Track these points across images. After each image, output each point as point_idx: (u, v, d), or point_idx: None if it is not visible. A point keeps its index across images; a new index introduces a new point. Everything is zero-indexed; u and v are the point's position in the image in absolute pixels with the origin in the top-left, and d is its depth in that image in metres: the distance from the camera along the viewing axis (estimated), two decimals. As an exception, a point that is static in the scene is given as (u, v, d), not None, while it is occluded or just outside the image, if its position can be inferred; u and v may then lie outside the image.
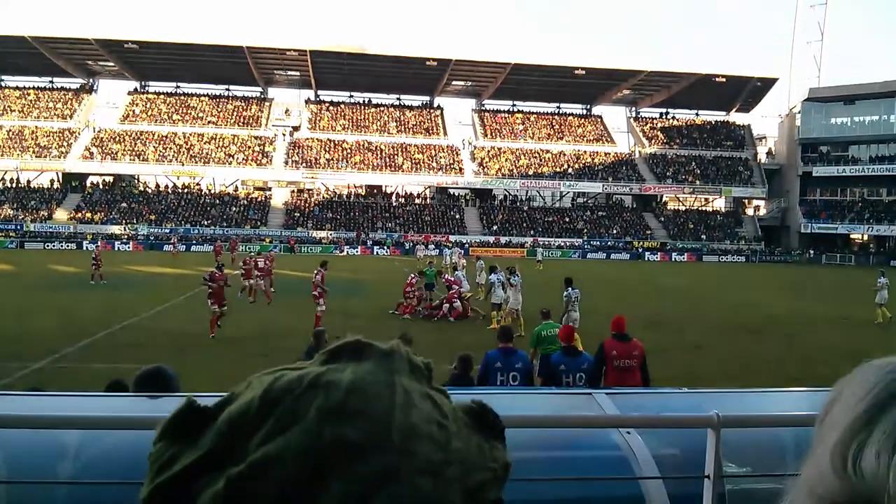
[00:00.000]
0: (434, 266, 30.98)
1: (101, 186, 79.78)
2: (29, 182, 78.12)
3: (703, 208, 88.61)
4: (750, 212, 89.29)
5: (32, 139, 78.43)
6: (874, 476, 0.89)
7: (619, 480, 3.69)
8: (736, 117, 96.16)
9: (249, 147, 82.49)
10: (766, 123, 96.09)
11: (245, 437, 0.66)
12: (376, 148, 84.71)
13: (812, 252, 78.29)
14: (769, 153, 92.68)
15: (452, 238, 72.57)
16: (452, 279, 26.26)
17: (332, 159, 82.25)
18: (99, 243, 44.35)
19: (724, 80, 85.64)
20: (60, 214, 73.02)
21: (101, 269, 35.14)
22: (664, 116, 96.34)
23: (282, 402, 0.67)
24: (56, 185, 78.77)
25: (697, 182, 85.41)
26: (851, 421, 0.95)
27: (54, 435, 3.57)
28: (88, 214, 73.20)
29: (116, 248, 66.61)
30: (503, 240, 74.34)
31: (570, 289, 19.30)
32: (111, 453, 3.37)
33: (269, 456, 0.64)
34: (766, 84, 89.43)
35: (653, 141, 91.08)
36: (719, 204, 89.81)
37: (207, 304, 21.11)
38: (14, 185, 77.19)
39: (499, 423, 0.78)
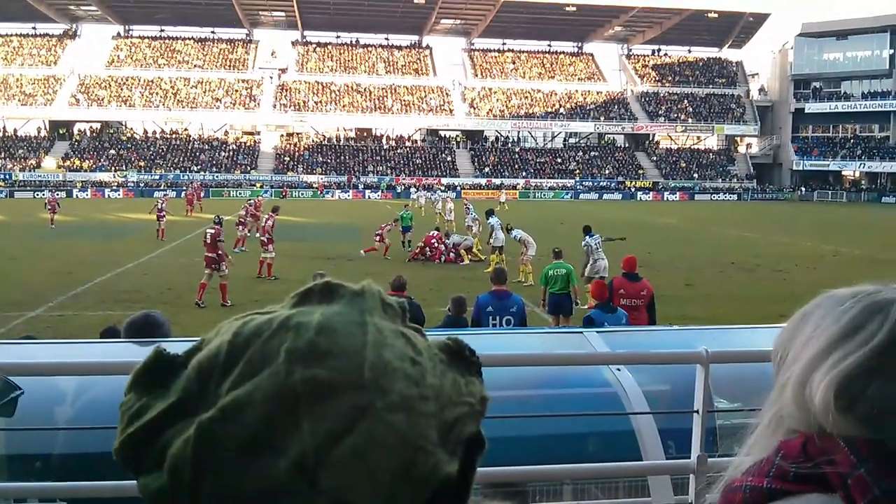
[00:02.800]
0: (409, 209, 30.71)
1: (88, 134, 78.93)
2: (16, 131, 77.20)
3: (696, 147, 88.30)
4: (742, 150, 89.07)
5: (17, 87, 77.28)
6: (820, 402, 0.97)
7: (610, 416, 3.75)
8: (728, 54, 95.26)
9: (237, 91, 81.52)
10: (758, 59, 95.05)
11: (215, 383, 0.66)
12: (365, 90, 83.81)
13: (804, 189, 78.42)
14: (761, 90, 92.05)
15: (444, 181, 72.31)
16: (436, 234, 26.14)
17: (321, 102, 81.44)
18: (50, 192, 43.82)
19: (716, 15, 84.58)
20: (49, 163, 72.36)
21: (56, 214, 35.99)
22: (656, 53, 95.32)
23: (251, 345, 0.67)
24: (43, 133, 77.88)
25: (690, 120, 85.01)
26: (811, 355, 1.02)
27: (51, 381, 3.59)
28: (77, 162, 72.59)
29: (106, 196, 66.26)
30: (495, 181, 74.01)
31: (587, 237, 18.04)
32: (105, 398, 3.40)
33: (240, 400, 0.64)
34: (759, 19, 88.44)
35: (645, 79, 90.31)
36: (711, 142, 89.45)
37: (212, 270, 18.08)
38: (1, 134, 76.30)
39: (475, 359, 0.77)
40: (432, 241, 25.47)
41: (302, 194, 68.73)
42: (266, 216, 23.18)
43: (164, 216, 31.71)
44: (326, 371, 0.64)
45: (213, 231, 18.53)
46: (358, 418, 0.63)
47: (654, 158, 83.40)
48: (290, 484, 0.62)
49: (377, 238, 25.98)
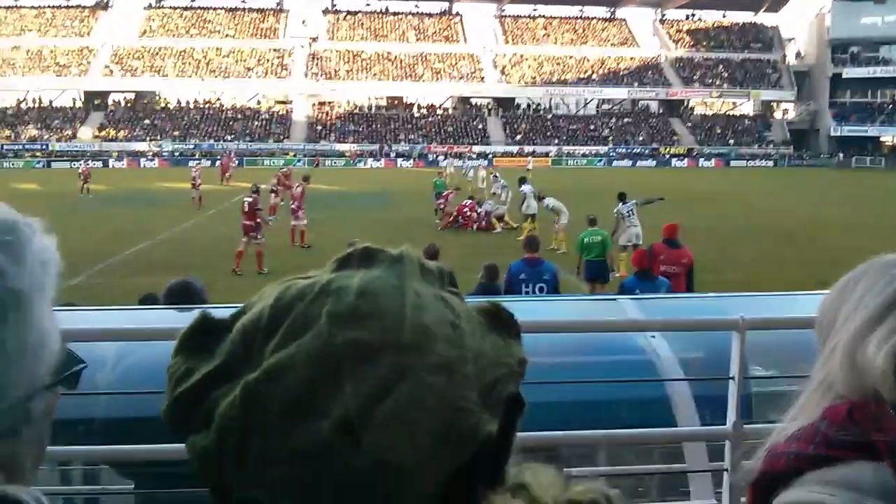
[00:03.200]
0: (443, 177, 30.87)
1: (123, 104, 79.60)
2: (51, 102, 78.02)
3: (731, 112, 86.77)
4: (778, 115, 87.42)
5: (52, 58, 77.97)
6: (873, 369, 0.96)
7: (644, 383, 3.74)
8: (764, 18, 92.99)
9: (268, 60, 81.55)
10: (795, 24, 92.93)
11: (259, 346, 0.68)
12: (395, 58, 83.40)
13: (842, 155, 76.88)
14: (798, 55, 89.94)
15: (476, 149, 71.98)
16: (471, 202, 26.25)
17: (352, 70, 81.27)
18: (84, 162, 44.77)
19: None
20: (85, 133, 73.20)
21: (89, 183, 37.27)
22: (690, 18, 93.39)
23: (293, 309, 0.68)
24: (78, 104, 78.62)
25: (725, 86, 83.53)
26: (862, 321, 1.00)
27: (91, 347, 3.66)
28: (112, 132, 73.36)
29: (142, 165, 66.91)
30: (527, 149, 73.48)
31: (620, 203, 17.67)
32: (146, 364, 3.47)
33: (283, 362, 0.65)
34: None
35: (679, 44, 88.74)
36: (747, 108, 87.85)
37: (249, 238, 18.34)
38: (37, 106, 77.21)
39: (514, 323, 0.78)
40: (465, 209, 25.47)
41: (334, 163, 68.83)
42: (297, 185, 23.34)
43: (199, 185, 32.29)
44: (367, 333, 0.65)
45: (250, 200, 18.81)
46: (398, 380, 0.64)
47: (689, 125, 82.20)
48: (332, 444, 0.63)
49: (441, 206, 26.40)
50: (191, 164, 49.14)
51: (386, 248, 0.76)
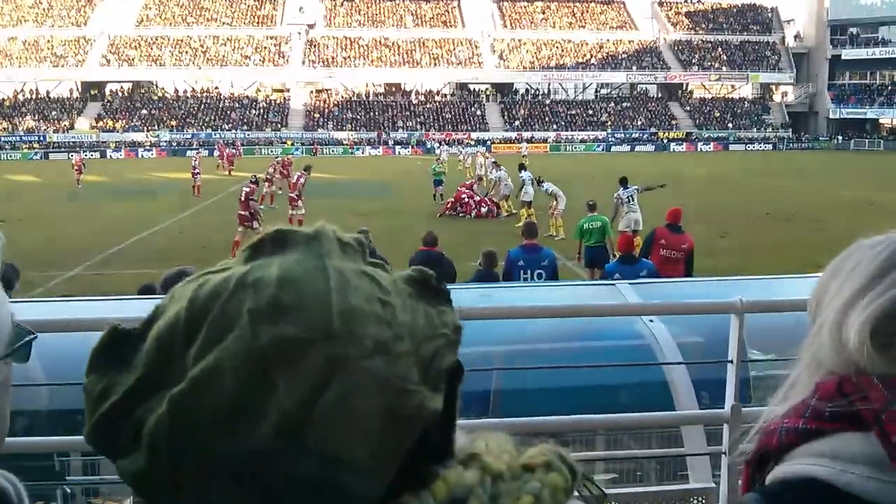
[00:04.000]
0: (442, 164, 30.90)
1: (120, 94, 79.40)
2: (48, 92, 77.82)
3: (730, 96, 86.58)
4: (777, 98, 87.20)
5: (48, 48, 77.71)
6: (856, 341, 0.98)
7: (643, 368, 3.75)
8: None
9: (265, 48, 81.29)
10: (793, 5, 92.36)
11: (179, 352, 0.64)
12: (393, 44, 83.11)
13: (841, 138, 76.82)
14: (797, 36, 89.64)
15: (474, 136, 71.82)
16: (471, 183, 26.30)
17: (349, 57, 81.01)
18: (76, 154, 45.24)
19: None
20: (82, 124, 73.05)
21: (82, 174, 37.25)
22: (689, 0, 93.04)
23: (210, 309, 0.64)
24: (75, 94, 78.44)
25: (724, 68, 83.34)
26: (846, 297, 1.03)
27: (89, 338, 3.67)
28: (110, 123, 73.18)
29: (140, 156, 66.81)
30: (525, 135, 73.33)
31: (621, 188, 17.51)
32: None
33: (209, 369, 0.61)
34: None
35: (678, 26, 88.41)
36: (746, 91, 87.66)
37: (245, 227, 18.58)
38: (34, 96, 77.00)
39: (443, 288, 0.74)
40: (462, 195, 25.45)
41: (332, 151, 68.70)
42: (298, 174, 23.35)
43: (198, 173, 32.59)
44: (294, 327, 0.61)
45: (247, 189, 19.05)
46: (335, 370, 0.61)
47: (688, 108, 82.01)
48: (275, 449, 0.60)
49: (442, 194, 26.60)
50: (190, 153, 49.26)
51: (299, 228, 0.71)
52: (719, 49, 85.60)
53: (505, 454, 0.69)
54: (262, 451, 0.60)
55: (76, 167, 37.59)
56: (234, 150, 50.63)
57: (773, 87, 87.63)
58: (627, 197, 17.25)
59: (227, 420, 0.60)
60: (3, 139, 69.62)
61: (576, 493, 0.70)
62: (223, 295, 0.64)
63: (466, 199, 25.27)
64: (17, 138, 70.04)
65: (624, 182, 17.71)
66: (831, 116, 79.38)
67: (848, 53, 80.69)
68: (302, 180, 22.59)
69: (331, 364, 0.61)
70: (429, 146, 68.31)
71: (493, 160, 31.44)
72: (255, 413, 0.60)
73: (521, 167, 24.65)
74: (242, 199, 18.91)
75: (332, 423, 0.61)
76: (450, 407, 0.69)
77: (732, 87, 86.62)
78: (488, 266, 9.44)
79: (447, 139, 66.90)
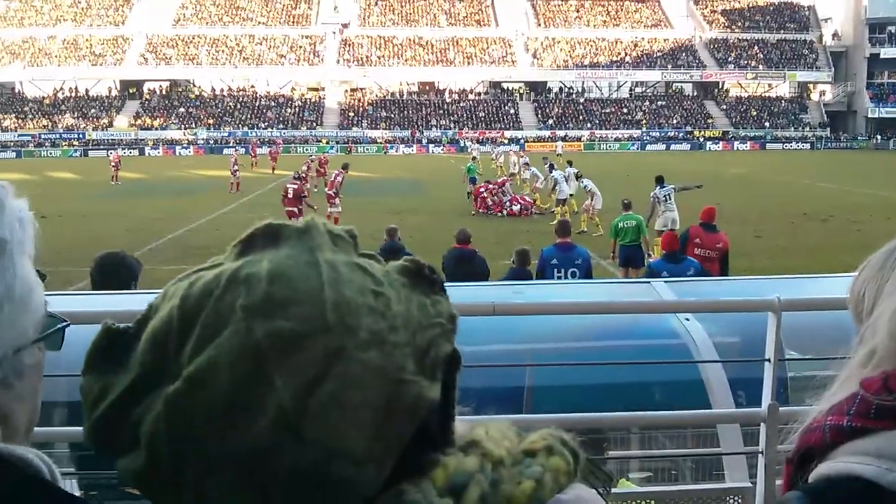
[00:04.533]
0: (477, 162, 30.97)
1: (158, 92, 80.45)
2: (87, 91, 79.05)
3: (767, 94, 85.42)
4: (815, 97, 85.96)
5: (87, 47, 78.94)
6: None
7: (679, 366, 3.73)
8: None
9: (300, 47, 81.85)
10: (831, 3, 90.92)
11: (174, 351, 0.64)
12: (427, 43, 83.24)
13: (879, 137, 75.50)
14: (835, 35, 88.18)
15: (507, 134, 71.70)
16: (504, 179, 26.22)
17: (383, 56, 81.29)
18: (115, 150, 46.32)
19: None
20: (121, 121, 74.15)
21: (119, 171, 37.85)
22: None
23: (203, 307, 0.64)
24: (114, 92, 79.59)
25: (760, 67, 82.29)
26: None
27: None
28: (148, 120, 74.22)
29: (177, 153, 67.63)
30: (559, 133, 73.03)
31: (657, 187, 17.39)
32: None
33: (204, 366, 0.61)
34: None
35: (713, 25, 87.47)
36: (783, 90, 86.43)
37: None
38: (73, 95, 78.27)
39: (436, 277, 0.73)
40: (481, 190, 25.34)
41: (366, 150, 68.99)
42: (335, 172, 23.55)
43: (237, 170, 33.24)
44: (288, 321, 0.61)
45: (295, 186, 19.42)
46: (330, 363, 0.61)
47: (724, 107, 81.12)
48: (273, 444, 0.60)
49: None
50: (228, 151, 49.91)
51: (290, 222, 0.71)
52: (756, 47, 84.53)
53: (505, 441, 0.69)
54: (261, 446, 0.60)
55: (113, 164, 38.22)
56: (276, 148, 51.15)
57: (811, 85, 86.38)
58: (664, 196, 17.13)
59: (225, 416, 0.60)
60: (43, 136, 70.88)
61: (580, 477, 0.70)
62: (215, 292, 0.64)
63: (484, 194, 25.18)
64: (57, 136, 71.27)
65: (660, 181, 17.61)
66: (870, 115, 78.12)
67: (887, 52, 79.40)
68: (340, 178, 22.79)
69: (327, 357, 0.61)
70: (462, 145, 68.31)
71: (525, 160, 31.40)
72: (252, 408, 0.60)
73: (551, 167, 24.60)
74: (290, 195, 19.29)
75: (329, 415, 0.61)
76: (448, 396, 0.70)
77: (769, 85, 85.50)
78: (521, 264, 9.42)
79: (480, 137, 66.86)
